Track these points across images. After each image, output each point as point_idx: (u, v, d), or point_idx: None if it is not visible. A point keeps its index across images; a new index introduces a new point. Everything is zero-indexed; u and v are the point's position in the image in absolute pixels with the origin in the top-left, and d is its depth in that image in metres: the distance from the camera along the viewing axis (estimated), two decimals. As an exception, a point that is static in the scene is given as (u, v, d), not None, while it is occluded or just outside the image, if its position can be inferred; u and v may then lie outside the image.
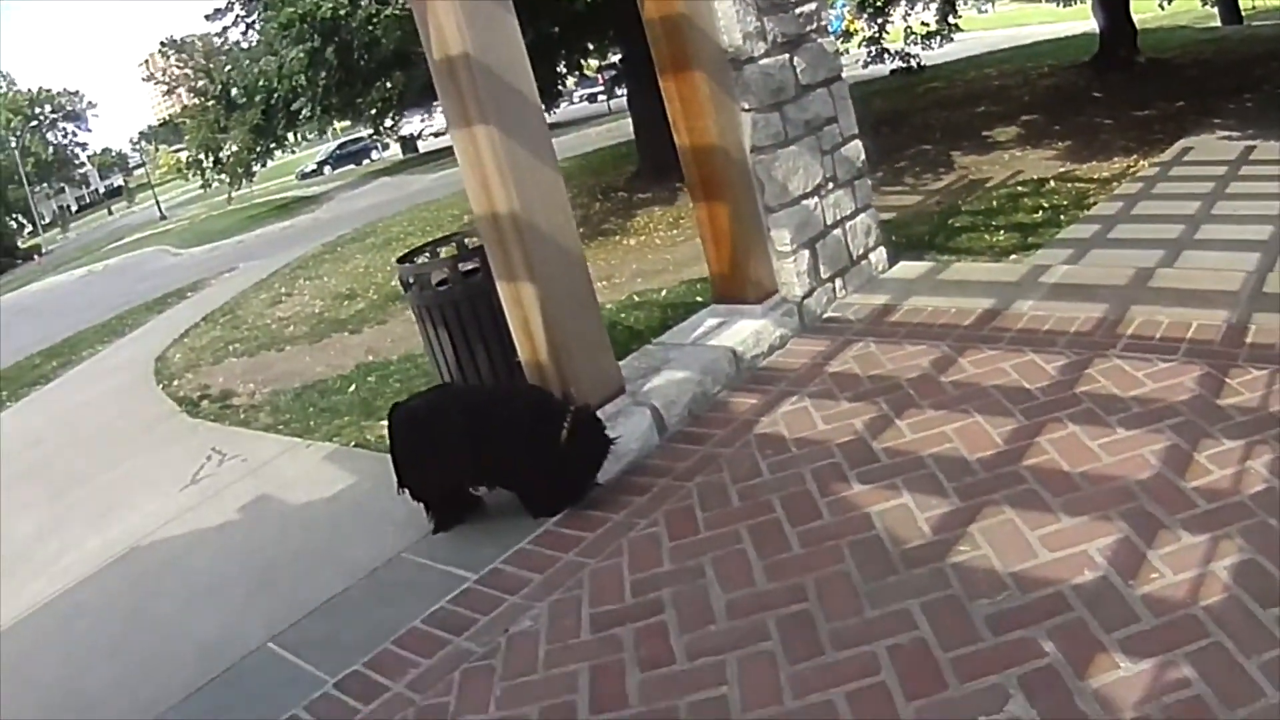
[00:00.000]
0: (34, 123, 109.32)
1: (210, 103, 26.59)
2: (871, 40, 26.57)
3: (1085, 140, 14.48)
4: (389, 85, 22.65)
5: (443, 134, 45.77)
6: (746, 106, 7.50)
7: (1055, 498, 4.84)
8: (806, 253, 7.88)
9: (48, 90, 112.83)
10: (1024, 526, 4.67)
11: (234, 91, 22.93)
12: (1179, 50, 23.11)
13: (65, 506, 9.05)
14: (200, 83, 31.84)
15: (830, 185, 8.16)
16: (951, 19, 25.65)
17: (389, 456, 6.87)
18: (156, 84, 44.43)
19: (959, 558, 4.54)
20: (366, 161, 62.07)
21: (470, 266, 6.97)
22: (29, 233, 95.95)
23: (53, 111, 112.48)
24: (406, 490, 6.04)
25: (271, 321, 15.42)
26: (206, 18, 25.94)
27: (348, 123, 39.30)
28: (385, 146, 59.05)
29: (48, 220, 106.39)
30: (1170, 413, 5.40)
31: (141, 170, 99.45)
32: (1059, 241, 9.60)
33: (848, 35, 28.78)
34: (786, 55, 7.76)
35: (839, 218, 8.25)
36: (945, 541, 4.69)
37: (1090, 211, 10.61)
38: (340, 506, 7.08)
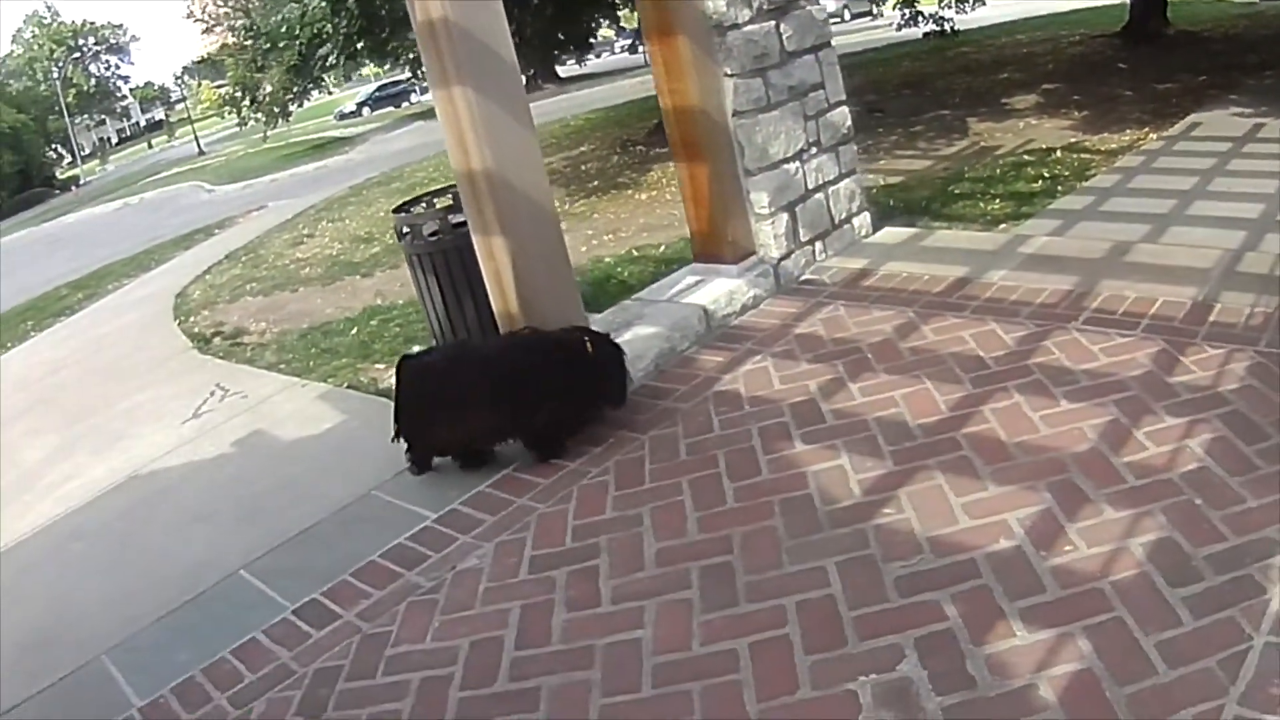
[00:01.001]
0: (76, 54, 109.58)
1: (248, 42, 26.56)
2: (906, 3, 26.42)
3: (1102, 111, 14.41)
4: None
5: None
6: (729, 71, 7.62)
7: (986, 466, 4.98)
8: (785, 216, 8.02)
9: (91, 23, 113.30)
10: (950, 493, 4.82)
11: (264, 34, 22.73)
12: (1211, 24, 22.85)
13: (76, 434, 9.37)
14: (239, 22, 31.74)
15: (814, 150, 8.28)
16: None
17: (379, 399, 7.17)
18: (196, 21, 44.31)
19: (882, 520, 4.71)
20: (406, 104, 61.73)
21: (461, 219, 7.16)
22: (68, 163, 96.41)
23: (96, 44, 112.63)
24: (404, 441, 6.23)
25: (290, 262, 15.65)
26: None
27: (387, 65, 39.32)
28: (425, 89, 59.02)
29: (87, 151, 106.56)
30: (1118, 388, 5.50)
31: (183, 105, 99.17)
32: (1050, 212, 9.68)
33: None
34: (773, 22, 7.85)
35: (821, 182, 8.36)
36: (872, 503, 4.86)
37: (1088, 183, 10.64)
38: (325, 444, 7.36)
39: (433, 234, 7.38)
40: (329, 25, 20.05)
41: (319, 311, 11.64)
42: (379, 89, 66.21)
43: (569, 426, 6.10)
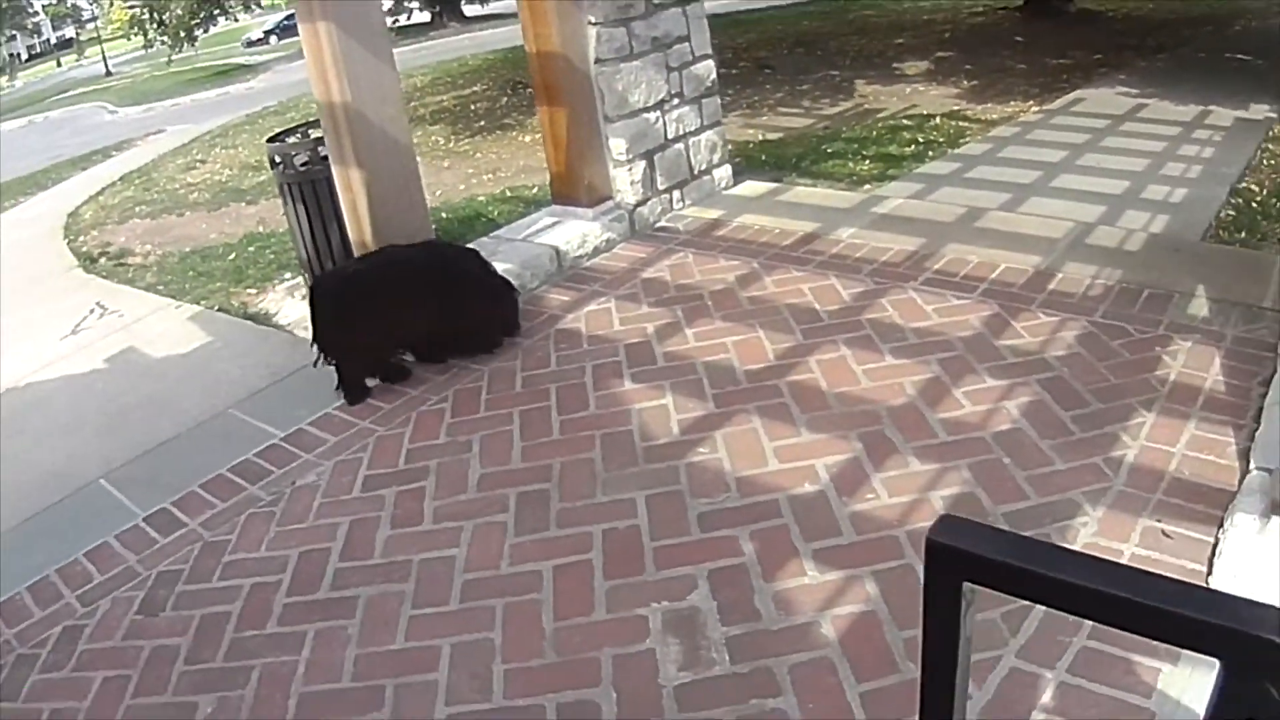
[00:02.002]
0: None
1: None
2: None
3: (990, 82, 14.58)
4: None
5: (395, 14, 45.10)
6: (593, 20, 7.79)
7: (803, 414, 5.27)
8: (643, 163, 8.26)
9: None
10: (765, 436, 5.12)
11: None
12: (1117, 2, 23.15)
13: None
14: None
15: (675, 101, 8.50)
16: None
17: (245, 322, 7.41)
18: None
19: (696, 458, 5.02)
20: None
21: (330, 150, 7.38)
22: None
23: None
24: (324, 357, 6.25)
25: (181, 186, 15.69)
26: None
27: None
28: None
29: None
30: (944, 347, 5.76)
31: (94, 24, 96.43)
32: (915, 175, 9.89)
33: None
34: None
35: (682, 132, 8.60)
36: (689, 442, 5.17)
37: (959, 150, 10.88)
38: (190, 363, 7.61)
39: (304, 164, 7.58)
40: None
41: (203, 236, 11.76)
42: (287, 18, 64.50)
43: (481, 339, 6.49)
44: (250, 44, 62.74)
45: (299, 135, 8.11)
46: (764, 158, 10.94)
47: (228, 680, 4.05)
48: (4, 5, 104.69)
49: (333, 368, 6.23)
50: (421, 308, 6.22)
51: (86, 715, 4.01)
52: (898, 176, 9.89)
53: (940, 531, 1.30)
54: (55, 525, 5.56)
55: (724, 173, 9.15)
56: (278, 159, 7.79)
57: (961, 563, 1.29)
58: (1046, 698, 3.37)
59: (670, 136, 8.52)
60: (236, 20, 54.28)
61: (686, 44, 8.57)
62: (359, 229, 6.77)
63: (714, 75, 8.95)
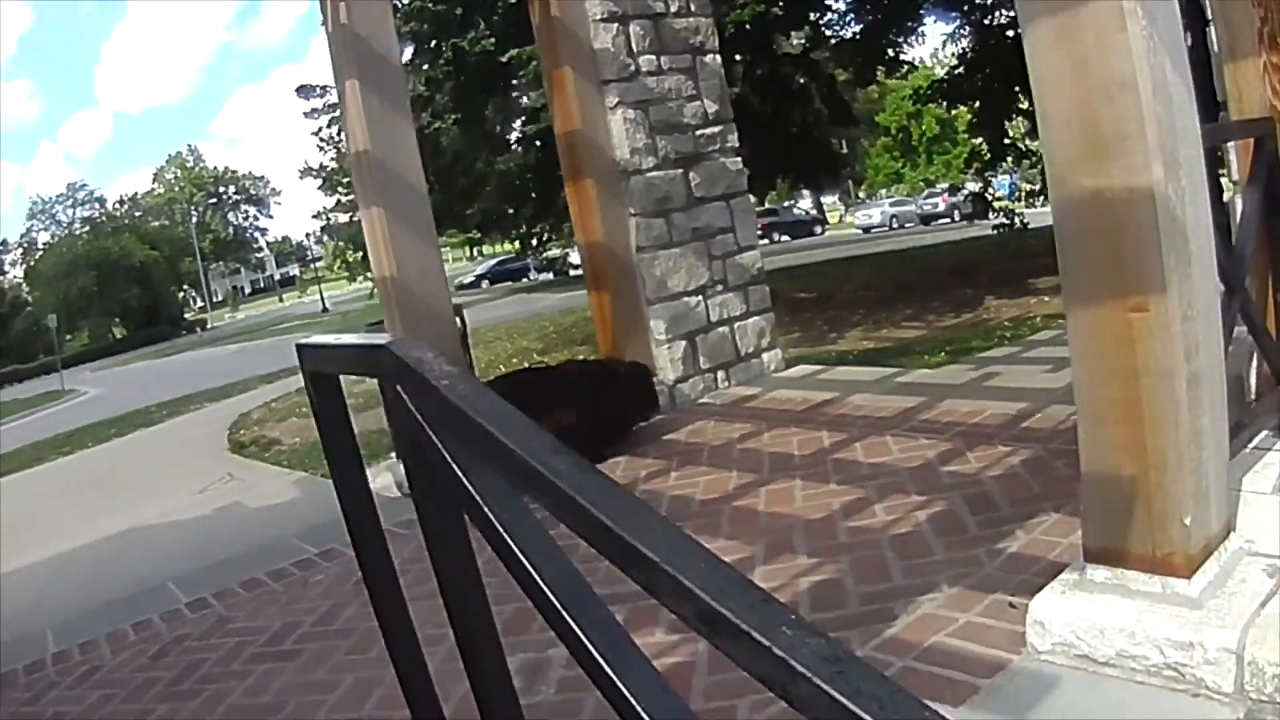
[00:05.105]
0: (214, 200, 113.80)
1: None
2: (977, 197, 27.07)
3: None
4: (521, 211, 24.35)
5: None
6: (633, 211, 8.70)
7: (731, 526, 5.84)
8: (683, 343, 8.97)
9: (233, 171, 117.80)
10: (679, 549, 5.84)
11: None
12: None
13: (106, 503, 11.58)
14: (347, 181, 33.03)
15: (719, 287, 9.26)
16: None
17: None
18: (314, 177, 45.50)
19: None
20: (525, 279, 62.58)
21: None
22: (200, 307, 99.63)
23: (236, 193, 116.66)
24: None
25: (346, 395, 17.28)
26: (305, 115, 25.84)
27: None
28: (540, 268, 59.73)
29: (220, 298, 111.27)
30: (889, 474, 6.12)
31: (315, 264, 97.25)
32: (975, 359, 10.38)
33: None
34: (680, 170, 8.99)
35: (726, 317, 9.31)
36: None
37: (1030, 337, 11.49)
38: (276, 511, 9.06)
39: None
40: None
41: (345, 430, 13.19)
42: (498, 264, 66.53)
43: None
44: (462, 287, 64.86)
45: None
46: (852, 358, 11.60)
47: (183, 696, 5.05)
48: (229, 239, 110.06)
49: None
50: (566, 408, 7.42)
51: (77, 715, 5.08)
52: (956, 362, 10.37)
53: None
54: (119, 608, 6.71)
55: (773, 356, 9.71)
56: (373, 345, 8.90)
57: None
58: None
59: (713, 320, 9.20)
60: (451, 263, 56.30)
61: (730, 235, 9.38)
62: (407, 396, 7.78)
63: (759, 265, 9.69)
